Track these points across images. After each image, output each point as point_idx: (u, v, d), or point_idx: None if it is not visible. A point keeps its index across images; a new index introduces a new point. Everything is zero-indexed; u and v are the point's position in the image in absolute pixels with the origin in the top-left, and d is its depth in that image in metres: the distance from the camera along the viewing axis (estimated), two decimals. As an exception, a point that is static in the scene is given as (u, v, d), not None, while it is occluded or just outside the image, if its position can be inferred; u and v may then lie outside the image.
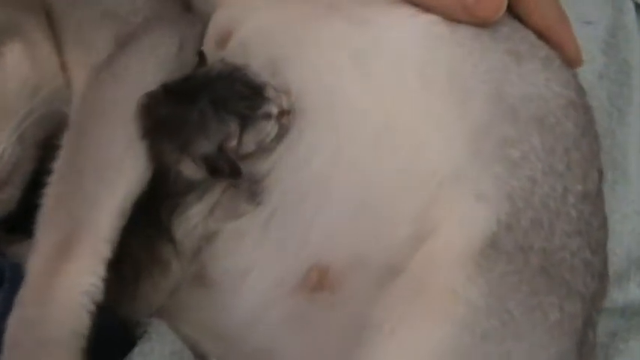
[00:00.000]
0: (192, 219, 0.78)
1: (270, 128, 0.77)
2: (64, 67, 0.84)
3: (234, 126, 0.75)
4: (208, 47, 0.83)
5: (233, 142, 0.75)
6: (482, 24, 0.80)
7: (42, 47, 0.84)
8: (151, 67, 0.80)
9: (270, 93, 0.77)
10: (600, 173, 0.80)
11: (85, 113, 0.79)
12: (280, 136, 0.77)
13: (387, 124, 0.77)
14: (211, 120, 0.75)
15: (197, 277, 0.80)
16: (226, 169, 0.75)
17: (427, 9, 0.81)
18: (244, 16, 0.83)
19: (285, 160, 0.77)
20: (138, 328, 0.78)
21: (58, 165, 0.77)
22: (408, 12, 0.81)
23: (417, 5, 0.81)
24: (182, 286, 0.80)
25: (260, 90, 0.77)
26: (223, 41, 0.82)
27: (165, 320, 0.79)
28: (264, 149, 0.77)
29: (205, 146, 0.75)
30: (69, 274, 0.72)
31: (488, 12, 0.80)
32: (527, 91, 0.79)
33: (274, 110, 0.77)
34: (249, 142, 0.76)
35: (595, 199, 0.79)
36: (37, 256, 0.73)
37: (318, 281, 0.76)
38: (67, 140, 0.78)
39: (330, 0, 0.81)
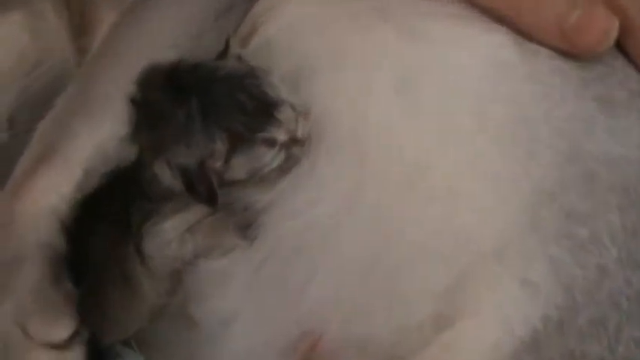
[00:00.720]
0: (165, 233, 0.64)
1: (271, 158, 0.61)
2: (78, 39, 0.73)
3: (220, 145, 0.60)
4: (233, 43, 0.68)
5: (217, 163, 0.61)
6: (580, 56, 0.63)
7: (48, 19, 0.73)
8: (181, 20, 0.67)
9: (284, 114, 0.62)
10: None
11: (99, 50, 0.68)
12: (286, 167, 0.62)
13: (425, 171, 0.60)
14: (196, 129, 0.60)
15: (179, 311, 0.67)
16: (202, 192, 0.61)
17: (513, 25, 0.64)
18: (278, 7, 0.67)
19: (290, 196, 0.62)
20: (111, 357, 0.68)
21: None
22: (477, 28, 0.64)
23: (499, 20, 0.64)
24: (164, 315, 0.67)
25: (271, 108, 0.61)
26: (247, 36, 0.67)
27: (143, 350, 0.68)
28: (260, 179, 0.62)
29: (184, 156, 0.61)
30: (31, 190, 0.63)
31: (590, 42, 0.63)
32: (614, 152, 0.62)
33: (282, 137, 0.61)
34: (239, 168, 0.61)
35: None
36: (10, 183, 0.65)
37: (307, 353, 0.60)
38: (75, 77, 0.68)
39: (382, 3, 0.65)
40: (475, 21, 0.64)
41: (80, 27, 0.73)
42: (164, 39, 0.66)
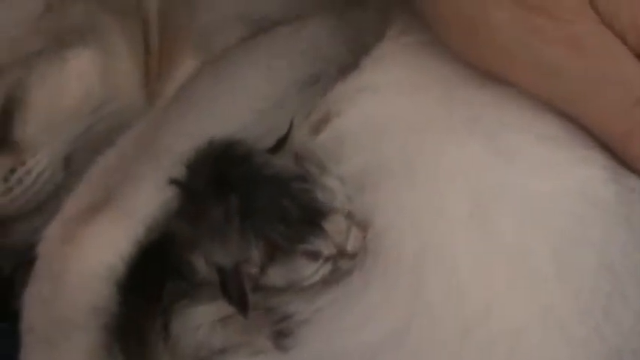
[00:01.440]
0: (196, 317, 0.59)
1: (313, 271, 0.55)
2: (150, 83, 0.69)
3: (255, 252, 0.55)
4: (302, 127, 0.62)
5: (253, 269, 0.55)
6: None
7: (120, 58, 0.68)
8: (256, 81, 0.62)
9: (333, 225, 0.55)
10: None
11: (176, 97, 0.64)
12: (332, 280, 0.55)
13: (487, 317, 0.53)
14: (232, 231, 0.55)
15: None
16: (234, 295, 0.55)
17: (619, 153, 0.56)
18: (357, 99, 0.60)
19: (335, 314, 0.55)
20: None
21: (120, 141, 0.63)
22: (571, 155, 0.56)
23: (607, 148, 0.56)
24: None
25: (319, 217, 0.55)
26: (319, 124, 0.61)
27: None
28: (302, 289, 0.56)
29: (220, 256, 0.55)
30: (87, 242, 0.59)
31: None
32: None
33: (327, 251, 0.55)
34: (277, 278, 0.55)
35: None
36: (58, 221, 0.61)
37: None
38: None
39: (475, 112, 0.58)
40: (571, 146, 0.56)
41: (156, 71, 0.68)
42: (245, 99, 0.61)
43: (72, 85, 0.66)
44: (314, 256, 0.55)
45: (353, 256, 0.56)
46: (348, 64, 0.62)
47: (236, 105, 0.61)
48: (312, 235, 0.54)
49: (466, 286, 0.53)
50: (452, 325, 0.53)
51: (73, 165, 0.66)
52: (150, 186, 0.59)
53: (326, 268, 0.55)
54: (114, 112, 0.67)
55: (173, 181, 0.57)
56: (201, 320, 0.58)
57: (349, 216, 0.56)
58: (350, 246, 0.55)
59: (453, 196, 0.55)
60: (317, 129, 0.60)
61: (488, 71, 0.58)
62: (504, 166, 0.56)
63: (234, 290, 0.54)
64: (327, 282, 0.56)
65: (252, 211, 0.55)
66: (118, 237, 0.58)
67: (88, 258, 0.58)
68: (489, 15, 0.56)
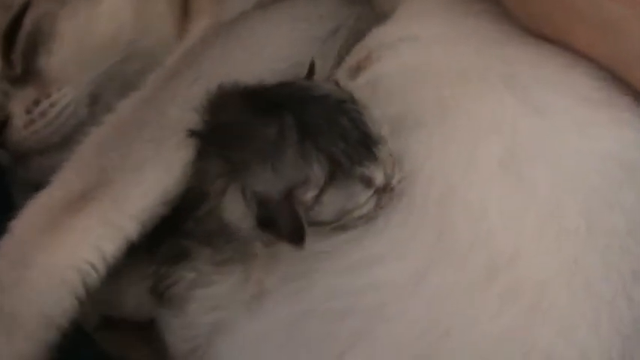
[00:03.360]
0: (209, 299, 0.55)
1: (365, 200, 0.51)
2: (182, 25, 0.67)
3: (318, 170, 0.50)
4: (340, 70, 0.60)
5: (309, 194, 0.50)
6: None
7: (157, 1, 0.66)
8: (281, 41, 0.60)
9: (383, 154, 0.52)
10: None
11: (177, 66, 0.61)
12: (373, 217, 0.52)
13: (512, 263, 0.51)
14: (291, 149, 0.50)
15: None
16: (286, 227, 0.50)
17: None
18: (399, 46, 0.59)
19: (352, 247, 0.53)
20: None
21: (119, 109, 0.59)
22: (608, 118, 0.54)
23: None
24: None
25: (372, 143, 0.51)
26: (357, 68, 0.59)
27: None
28: (341, 225, 0.52)
29: (268, 183, 0.50)
30: (68, 238, 0.53)
31: None
32: None
33: (379, 179, 0.51)
34: (330, 206, 0.51)
35: None
36: (42, 202, 0.55)
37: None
38: (147, 84, 0.61)
39: (513, 69, 0.56)
40: (609, 108, 0.54)
41: (183, 12, 0.67)
42: (264, 61, 0.59)
43: (103, 21, 0.64)
44: (368, 182, 0.51)
45: (392, 193, 0.53)
46: (367, 15, 0.62)
47: (255, 67, 0.59)
48: (368, 160, 0.51)
49: (494, 233, 0.51)
50: (476, 270, 0.51)
51: (99, 102, 0.64)
52: (151, 174, 0.55)
53: (372, 202, 0.52)
54: (145, 51, 0.65)
55: (209, 104, 0.53)
56: (221, 302, 0.55)
57: (391, 152, 0.53)
58: (395, 180, 0.52)
59: (485, 147, 0.53)
60: (356, 72, 0.59)
61: (545, 31, 0.56)
62: (540, 122, 0.54)
63: (286, 219, 0.50)
64: (369, 218, 0.52)
65: (311, 128, 0.50)
66: (104, 236, 0.54)
67: (63, 257, 0.53)
68: None
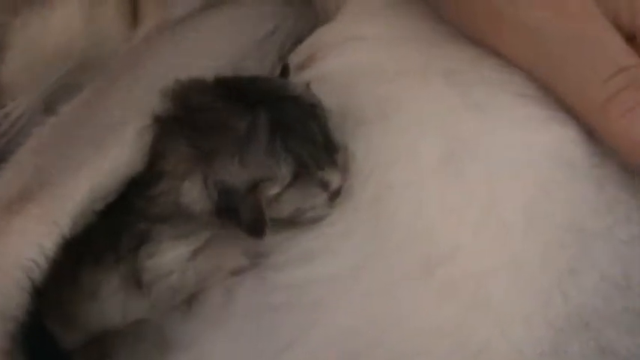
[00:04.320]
0: (165, 264, 0.56)
1: (321, 203, 0.53)
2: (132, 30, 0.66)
3: (285, 171, 0.51)
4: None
5: (273, 191, 0.52)
6: None
7: (107, 6, 0.66)
8: (222, 41, 0.61)
9: (342, 161, 0.53)
10: None
11: (119, 67, 0.61)
12: (322, 217, 0.54)
13: (450, 259, 0.51)
14: (260, 145, 0.51)
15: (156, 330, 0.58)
16: (248, 219, 0.51)
17: (594, 124, 0.54)
18: (343, 45, 0.60)
19: (292, 243, 0.53)
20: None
21: (61, 111, 0.60)
22: (547, 115, 0.54)
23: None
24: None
25: (333, 149, 0.53)
26: (301, 67, 0.60)
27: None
28: (293, 223, 0.53)
29: (234, 174, 0.51)
30: (10, 239, 0.54)
31: None
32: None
33: (335, 183, 0.53)
34: (288, 204, 0.53)
35: None
36: None
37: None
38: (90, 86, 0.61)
39: (455, 65, 0.57)
40: (547, 105, 0.54)
41: (133, 17, 0.67)
42: (199, 62, 0.59)
43: (55, 31, 0.64)
44: (325, 186, 0.53)
45: (337, 197, 0.54)
46: (305, 15, 0.62)
47: (194, 68, 0.59)
48: (328, 165, 0.52)
49: (432, 228, 0.52)
50: (414, 264, 0.51)
51: (55, 111, 0.62)
52: (88, 173, 0.56)
53: (324, 205, 0.53)
54: (97, 59, 0.64)
55: (178, 89, 0.54)
56: (172, 266, 0.55)
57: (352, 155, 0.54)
58: (347, 184, 0.54)
59: (424, 143, 0.54)
60: (299, 71, 0.59)
61: (476, 35, 0.57)
62: (479, 118, 0.54)
63: (249, 211, 0.51)
64: (317, 219, 0.54)
65: (282, 127, 0.52)
66: (43, 234, 0.54)
67: (8, 257, 0.54)
68: None
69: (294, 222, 0.54)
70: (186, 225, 0.55)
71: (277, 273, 0.52)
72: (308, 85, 0.56)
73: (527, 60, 0.55)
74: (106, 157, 0.56)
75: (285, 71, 0.57)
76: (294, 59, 0.60)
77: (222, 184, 0.51)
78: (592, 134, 0.54)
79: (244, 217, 0.51)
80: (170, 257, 0.55)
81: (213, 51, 0.61)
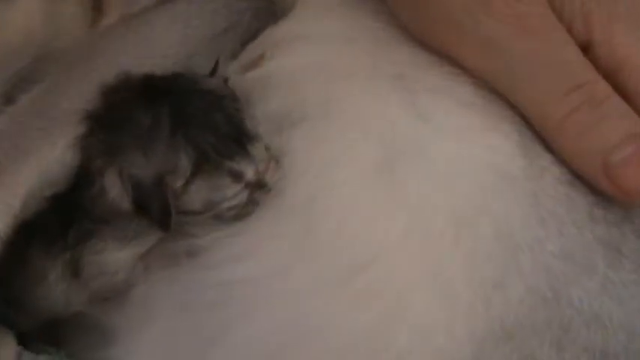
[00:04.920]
0: (110, 264, 0.56)
1: (233, 194, 0.53)
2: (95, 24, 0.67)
3: (185, 161, 0.52)
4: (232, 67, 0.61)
5: (177, 182, 0.52)
6: (620, 198, 0.53)
7: (67, 3, 0.66)
8: (172, 37, 0.61)
9: (257, 151, 0.54)
10: None
11: (75, 58, 0.62)
12: (244, 213, 0.54)
13: (373, 267, 0.51)
14: (161, 137, 0.52)
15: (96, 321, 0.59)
16: (155, 211, 0.52)
17: (551, 142, 0.54)
18: (290, 44, 0.60)
19: (223, 243, 0.54)
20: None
21: (19, 101, 0.61)
22: (488, 126, 0.54)
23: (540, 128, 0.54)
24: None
25: (246, 139, 0.53)
26: (250, 66, 0.60)
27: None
28: (215, 216, 0.54)
29: (140, 166, 0.52)
30: None
31: (635, 184, 0.52)
32: (605, 310, 0.52)
33: (250, 175, 0.53)
34: (197, 196, 0.53)
35: None
36: None
37: None
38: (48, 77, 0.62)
39: (402, 70, 0.57)
40: (487, 115, 0.54)
41: (96, 12, 0.68)
42: (150, 55, 0.60)
43: (13, 26, 0.64)
44: (237, 176, 0.53)
45: (267, 190, 0.54)
46: (264, 12, 0.62)
47: (145, 63, 0.60)
48: (239, 155, 0.53)
49: (357, 235, 0.52)
50: (336, 270, 0.51)
51: (15, 103, 0.63)
52: (37, 159, 0.57)
53: (244, 195, 0.53)
54: (57, 53, 0.65)
55: (106, 89, 0.55)
56: (118, 266, 0.56)
57: (268, 148, 0.54)
58: (268, 177, 0.54)
59: (362, 147, 0.54)
60: (248, 69, 0.60)
61: (432, 42, 0.57)
62: (420, 125, 0.54)
63: (156, 203, 0.52)
64: (242, 214, 0.54)
65: (184, 119, 0.52)
66: None
67: None
68: None
69: (219, 217, 0.54)
70: (130, 226, 0.56)
71: (208, 271, 0.53)
72: (226, 79, 0.57)
73: (486, 72, 0.55)
74: (55, 146, 0.57)
75: (215, 67, 0.58)
76: (244, 57, 0.60)
77: (133, 178, 0.52)
78: (529, 148, 0.53)
79: (153, 211, 0.52)
80: (115, 258, 0.56)
81: (162, 47, 0.61)
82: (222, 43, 0.61)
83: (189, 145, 0.52)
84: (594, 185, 0.53)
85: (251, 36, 0.62)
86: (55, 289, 0.58)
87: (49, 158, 0.57)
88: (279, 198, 0.53)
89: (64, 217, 0.57)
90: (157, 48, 0.60)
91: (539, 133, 0.54)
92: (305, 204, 0.53)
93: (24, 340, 0.62)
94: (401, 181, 0.53)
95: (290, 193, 0.53)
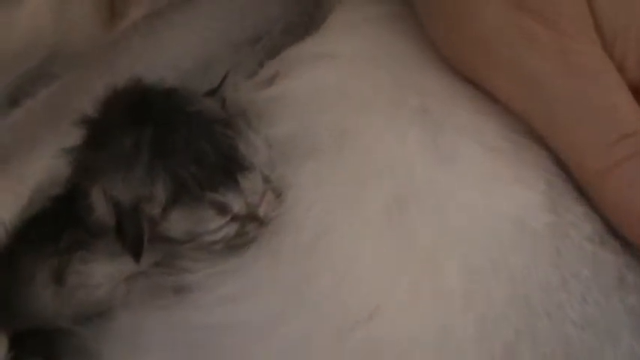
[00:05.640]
0: (95, 276, 0.53)
1: (217, 227, 0.49)
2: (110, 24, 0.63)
3: (161, 191, 0.49)
4: (250, 83, 0.56)
5: (155, 210, 0.49)
6: None
7: (79, 2, 0.63)
8: (192, 40, 0.57)
9: (249, 182, 0.49)
10: None
11: (93, 57, 0.59)
12: (235, 244, 0.50)
13: (379, 318, 0.46)
14: (140, 163, 0.49)
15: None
16: (129, 237, 0.49)
17: (590, 192, 0.49)
18: (308, 64, 0.55)
19: (217, 280, 0.50)
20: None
21: (38, 95, 0.59)
22: (515, 175, 0.49)
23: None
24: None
25: (236, 169, 0.49)
26: (267, 83, 0.56)
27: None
28: (200, 246, 0.50)
29: (119, 190, 0.49)
30: None
31: None
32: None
33: (237, 207, 0.49)
34: (177, 225, 0.49)
35: None
36: None
37: None
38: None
39: (423, 103, 0.52)
40: (514, 163, 0.49)
41: (109, 15, 0.64)
42: (165, 58, 0.56)
43: (21, 26, 0.61)
44: (222, 209, 0.49)
45: (262, 224, 0.50)
46: (297, 25, 0.57)
47: (160, 64, 0.56)
48: (225, 187, 0.48)
49: (359, 282, 0.47)
50: (331, 322, 0.46)
51: (21, 105, 0.61)
52: (43, 151, 0.55)
53: (232, 228, 0.49)
54: (68, 54, 0.62)
55: (84, 116, 0.52)
56: (102, 280, 0.52)
57: (266, 179, 0.50)
58: (262, 210, 0.49)
59: (374, 188, 0.49)
60: (264, 87, 0.55)
61: (463, 67, 0.52)
62: (439, 167, 0.49)
63: (130, 229, 0.49)
64: (231, 246, 0.50)
65: (165, 146, 0.49)
66: (2, 205, 0.54)
67: None
68: (479, 10, 0.50)
69: (206, 248, 0.50)
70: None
71: (199, 312, 0.49)
72: (224, 101, 0.52)
73: (523, 109, 0.50)
74: (63, 144, 0.53)
75: (221, 82, 0.53)
76: (263, 73, 0.56)
77: (114, 199, 0.49)
78: (557, 201, 0.48)
79: (126, 233, 0.49)
80: (100, 271, 0.52)
81: (179, 50, 0.57)
82: (246, 53, 0.57)
83: (168, 174, 0.49)
84: (634, 245, 0.47)
85: (276, 53, 0.57)
86: (41, 293, 0.55)
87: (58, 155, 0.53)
88: (280, 236, 0.49)
89: (60, 220, 0.54)
90: (172, 52, 0.57)
91: (574, 182, 0.49)
92: (308, 246, 0.48)
93: (16, 347, 0.59)
94: (412, 228, 0.48)
95: (292, 233, 0.49)
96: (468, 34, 0.50)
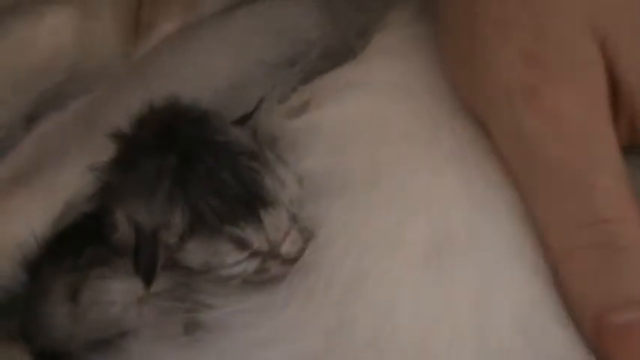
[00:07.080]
0: (110, 292, 0.52)
1: (235, 261, 0.48)
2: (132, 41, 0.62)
3: (179, 220, 0.48)
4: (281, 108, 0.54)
5: (172, 239, 0.48)
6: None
7: (101, 20, 0.61)
8: (224, 57, 0.55)
9: (272, 219, 0.47)
10: None
11: (127, 72, 0.58)
12: (256, 280, 0.48)
13: None
14: (161, 190, 0.48)
15: None
16: (143, 262, 0.48)
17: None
18: (342, 93, 0.53)
19: (245, 319, 0.47)
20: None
21: (69, 107, 0.58)
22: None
23: None
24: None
25: (259, 204, 0.47)
26: (296, 110, 0.54)
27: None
28: (219, 279, 0.49)
29: (140, 215, 0.49)
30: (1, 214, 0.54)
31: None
32: None
33: (257, 244, 0.47)
34: (194, 256, 0.48)
35: None
36: None
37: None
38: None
39: (461, 142, 0.50)
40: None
41: (132, 32, 0.62)
42: (200, 77, 0.54)
43: (41, 43, 0.60)
44: (241, 244, 0.47)
45: (287, 263, 0.48)
46: (336, 50, 0.54)
47: (195, 83, 0.54)
48: (245, 221, 0.47)
49: (397, 334, 0.45)
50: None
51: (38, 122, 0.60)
52: (74, 164, 0.54)
53: (252, 265, 0.47)
54: (89, 72, 0.60)
55: (116, 132, 0.51)
56: (117, 297, 0.51)
57: (293, 218, 0.48)
58: (285, 249, 0.47)
59: (410, 228, 0.47)
60: (292, 116, 0.53)
61: (473, 112, 0.50)
62: (477, 215, 0.47)
63: (145, 254, 0.48)
64: (251, 282, 0.48)
65: (187, 175, 0.48)
66: (32, 212, 0.53)
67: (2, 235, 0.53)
68: (491, 54, 0.47)
69: (221, 279, 0.49)
70: None
71: (229, 355, 0.47)
72: (255, 130, 0.50)
73: (514, 168, 0.47)
74: (91, 157, 0.53)
75: (254, 109, 0.51)
76: (295, 98, 0.53)
77: (135, 223, 0.49)
78: None
79: (141, 259, 0.48)
80: (115, 288, 0.51)
81: (212, 68, 0.55)
82: (282, 76, 0.54)
83: (187, 204, 0.48)
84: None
85: (312, 78, 0.54)
86: (57, 311, 0.54)
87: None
88: (312, 278, 0.47)
89: (84, 236, 0.54)
90: (207, 70, 0.55)
91: None
92: (343, 291, 0.46)
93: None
94: (453, 275, 0.46)
95: (326, 275, 0.46)
96: (477, 78, 0.48)
